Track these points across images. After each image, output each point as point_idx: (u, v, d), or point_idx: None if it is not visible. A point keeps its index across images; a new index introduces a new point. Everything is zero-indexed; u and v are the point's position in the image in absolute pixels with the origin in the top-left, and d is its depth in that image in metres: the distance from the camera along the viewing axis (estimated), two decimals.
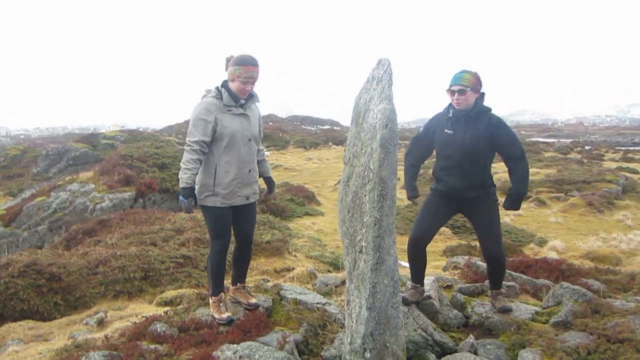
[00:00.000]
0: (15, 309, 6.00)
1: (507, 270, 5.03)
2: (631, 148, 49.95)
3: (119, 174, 12.96)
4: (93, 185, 12.89)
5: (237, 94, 3.71)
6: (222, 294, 4.01)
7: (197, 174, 3.66)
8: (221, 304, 3.95)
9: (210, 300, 4.02)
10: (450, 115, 3.88)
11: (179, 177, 3.60)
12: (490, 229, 3.88)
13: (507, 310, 4.04)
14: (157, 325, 3.87)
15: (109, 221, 9.77)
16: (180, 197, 3.65)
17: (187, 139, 3.66)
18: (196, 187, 3.75)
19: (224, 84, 3.76)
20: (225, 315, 3.87)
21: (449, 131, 3.86)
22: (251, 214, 4.01)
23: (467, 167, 3.81)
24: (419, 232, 3.99)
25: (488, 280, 4.30)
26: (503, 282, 4.39)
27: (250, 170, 3.82)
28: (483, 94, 3.91)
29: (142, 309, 5.59)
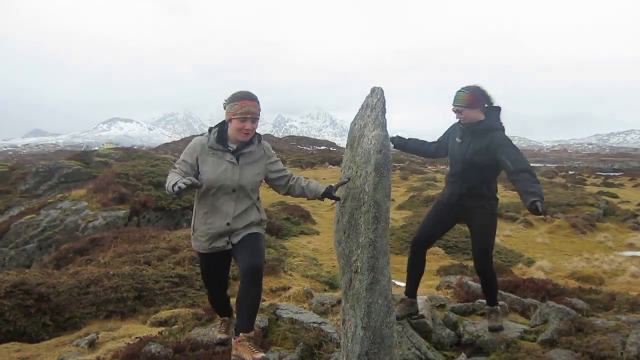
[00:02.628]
0: (0, 330, 5.94)
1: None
2: (611, 174, 53.62)
3: (113, 192, 12.97)
4: (86, 203, 12.88)
5: (235, 136, 3.36)
6: (227, 317, 4.02)
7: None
8: (222, 324, 4.04)
9: None
10: (461, 125, 4.10)
11: (167, 191, 3.14)
12: (482, 243, 4.08)
13: (497, 329, 4.19)
14: (152, 346, 3.91)
15: (101, 240, 9.77)
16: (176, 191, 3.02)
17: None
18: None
19: (221, 126, 3.44)
20: (219, 335, 3.97)
21: (458, 140, 4.12)
22: (246, 243, 3.43)
23: (468, 177, 4.03)
24: (420, 234, 4.23)
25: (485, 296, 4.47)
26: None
27: (228, 224, 3.36)
28: (498, 108, 4.08)
29: (135, 330, 5.60)
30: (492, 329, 4.19)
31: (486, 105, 4.05)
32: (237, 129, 3.31)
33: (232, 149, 3.38)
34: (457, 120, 4.17)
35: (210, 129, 3.43)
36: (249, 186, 3.42)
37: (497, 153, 3.87)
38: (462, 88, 4.02)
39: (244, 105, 3.28)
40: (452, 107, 4.04)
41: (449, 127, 4.37)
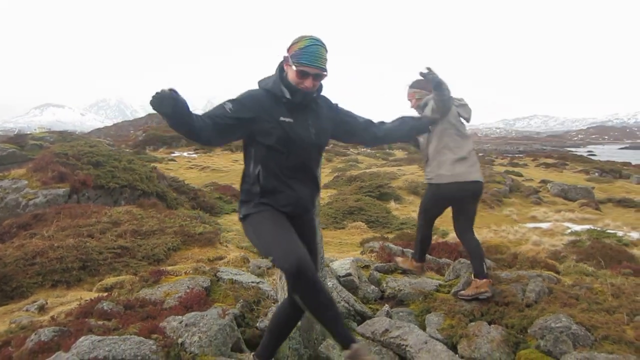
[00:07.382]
0: None
1: None
2: (517, 155, 56.69)
3: (52, 171, 12.22)
4: (26, 182, 12.08)
5: None
6: None
7: None
8: None
9: None
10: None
11: None
12: None
13: None
14: (104, 304, 3.91)
15: (44, 215, 9.26)
16: None
17: None
18: None
19: None
20: None
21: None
22: None
23: None
24: None
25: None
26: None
27: None
28: None
29: (83, 295, 5.49)
30: None
31: None
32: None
33: None
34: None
35: None
36: None
37: None
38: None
39: None
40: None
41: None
